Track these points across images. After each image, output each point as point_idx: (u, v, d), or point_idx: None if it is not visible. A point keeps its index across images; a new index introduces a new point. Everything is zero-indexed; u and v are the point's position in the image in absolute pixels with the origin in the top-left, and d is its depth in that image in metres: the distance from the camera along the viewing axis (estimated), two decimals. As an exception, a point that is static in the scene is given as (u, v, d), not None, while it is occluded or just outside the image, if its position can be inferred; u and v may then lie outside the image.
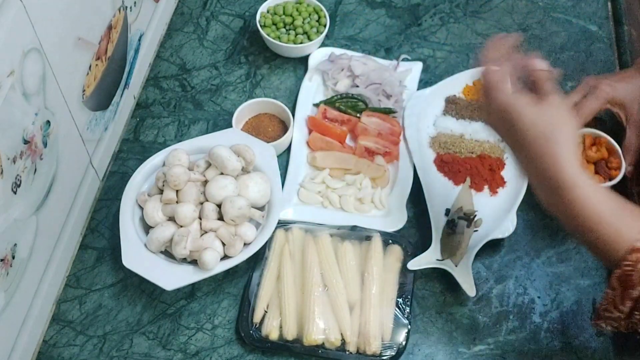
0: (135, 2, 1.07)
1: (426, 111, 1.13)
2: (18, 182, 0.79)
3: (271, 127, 1.10)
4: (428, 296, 0.97)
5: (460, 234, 0.97)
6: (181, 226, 0.92)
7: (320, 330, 0.89)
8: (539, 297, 0.97)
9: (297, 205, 1.02)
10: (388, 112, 1.12)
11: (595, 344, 0.93)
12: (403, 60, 1.19)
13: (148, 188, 0.99)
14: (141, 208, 0.96)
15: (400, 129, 1.10)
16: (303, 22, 1.21)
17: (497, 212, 1.01)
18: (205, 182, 0.96)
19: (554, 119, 0.74)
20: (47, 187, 0.88)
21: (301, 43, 1.19)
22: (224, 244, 0.92)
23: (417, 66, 1.19)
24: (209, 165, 0.97)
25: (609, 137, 1.03)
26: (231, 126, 1.07)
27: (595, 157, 1.03)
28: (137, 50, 1.12)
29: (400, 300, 0.93)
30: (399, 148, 1.08)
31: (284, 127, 1.10)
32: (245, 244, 0.93)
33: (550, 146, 0.73)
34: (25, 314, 0.87)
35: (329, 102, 1.13)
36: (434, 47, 1.24)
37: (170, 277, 0.91)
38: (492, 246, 0.99)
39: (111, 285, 0.97)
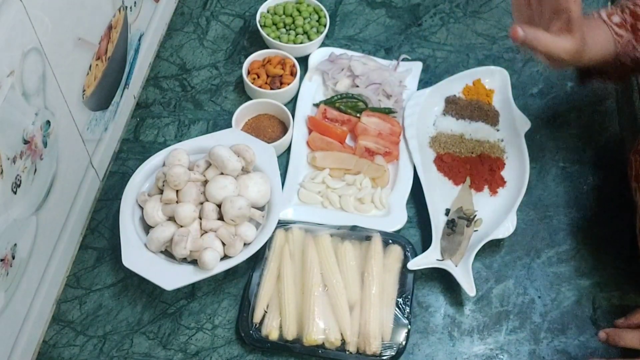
0: (135, 2, 1.07)
1: (426, 111, 1.13)
2: (18, 182, 0.79)
3: (271, 128, 1.10)
4: (428, 296, 0.97)
5: (460, 234, 0.97)
6: (181, 226, 0.92)
7: (320, 330, 0.89)
8: (539, 297, 0.97)
9: (297, 205, 1.02)
10: (388, 112, 1.12)
11: (595, 344, 0.93)
12: (403, 60, 1.19)
13: (148, 188, 0.99)
14: (141, 208, 0.96)
15: (400, 129, 1.10)
16: (303, 22, 1.21)
17: (497, 212, 1.01)
18: (206, 182, 0.96)
19: None
20: (47, 187, 0.88)
21: (301, 43, 1.19)
22: (224, 244, 0.92)
23: (417, 66, 1.19)
24: (209, 165, 0.97)
25: (295, 61, 1.15)
26: (231, 126, 1.07)
27: (275, 72, 1.14)
28: (137, 50, 1.12)
29: (400, 300, 0.93)
30: (399, 148, 1.08)
31: (284, 128, 1.10)
32: (245, 244, 0.93)
33: None
34: (25, 314, 0.87)
35: (329, 102, 1.13)
36: (434, 47, 1.24)
37: (170, 277, 0.90)
38: (492, 246, 1.00)
39: (111, 285, 0.97)
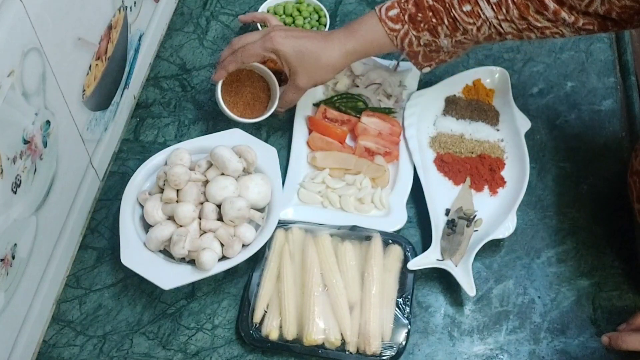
0: (135, 2, 1.07)
1: (426, 111, 1.13)
2: (18, 182, 0.79)
3: (249, 81, 1.08)
4: (428, 296, 0.97)
5: (460, 234, 0.97)
6: (180, 226, 0.92)
7: (320, 330, 0.89)
8: (539, 297, 0.97)
9: (297, 205, 1.02)
10: (388, 112, 1.12)
11: (595, 344, 0.93)
12: (403, 60, 1.19)
13: (149, 187, 0.99)
14: (142, 207, 0.96)
15: (400, 129, 1.10)
16: (303, 22, 1.21)
17: (497, 212, 1.01)
18: (206, 182, 0.96)
19: None
20: (47, 187, 0.88)
21: (301, 43, 1.19)
22: (222, 245, 0.92)
23: (417, 66, 1.19)
24: (210, 165, 0.97)
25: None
26: (231, 127, 1.07)
27: (275, 68, 1.08)
28: (137, 50, 1.12)
29: (400, 300, 0.93)
30: (399, 148, 1.08)
31: (263, 82, 1.08)
32: (244, 245, 0.93)
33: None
34: (25, 314, 0.87)
35: (329, 102, 1.13)
36: (434, 47, 1.24)
37: (169, 276, 0.90)
38: (492, 246, 1.00)
39: (111, 285, 0.97)
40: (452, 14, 0.93)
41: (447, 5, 0.93)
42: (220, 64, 1.04)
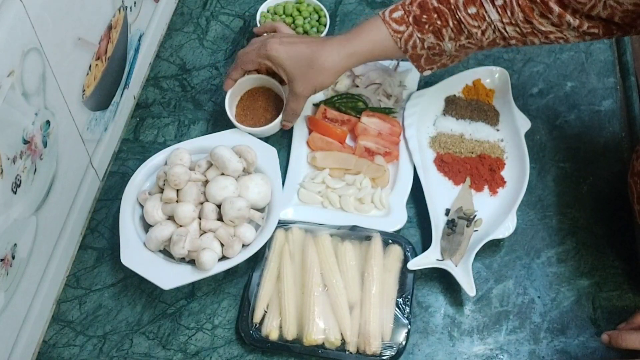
0: (135, 2, 1.07)
1: (426, 111, 1.13)
2: (18, 182, 0.79)
3: (263, 101, 1.09)
4: (428, 296, 0.97)
5: (460, 234, 0.97)
6: (180, 226, 0.92)
7: (320, 330, 0.89)
8: (539, 297, 0.97)
9: (297, 205, 1.02)
10: (388, 112, 1.12)
11: (595, 344, 0.93)
12: (403, 60, 1.19)
13: (149, 187, 0.99)
14: (142, 206, 0.96)
15: (400, 129, 1.10)
16: (303, 22, 1.21)
17: (497, 212, 1.01)
18: (206, 182, 0.96)
19: None
20: (47, 187, 0.88)
21: (301, 43, 1.19)
22: (222, 245, 0.92)
23: (417, 66, 1.19)
24: (210, 165, 0.97)
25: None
26: (231, 126, 1.07)
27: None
28: (137, 50, 1.12)
29: (400, 300, 0.93)
30: (399, 148, 1.08)
31: (279, 101, 1.09)
32: (244, 245, 0.93)
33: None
34: (25, 314, 0.87)
35: (329, 102, 1.13)
36: (434, 47, 1.24)
37: (169, 276, 0.91)
38: (492, 246, 1.00)
39: (111, 285, 0.97)
40: (457, 16, 0.93)
41: (453, 7, 0.93)
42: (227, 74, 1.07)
